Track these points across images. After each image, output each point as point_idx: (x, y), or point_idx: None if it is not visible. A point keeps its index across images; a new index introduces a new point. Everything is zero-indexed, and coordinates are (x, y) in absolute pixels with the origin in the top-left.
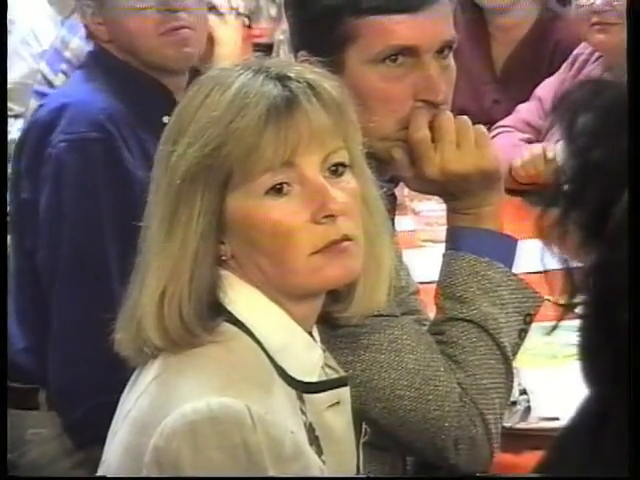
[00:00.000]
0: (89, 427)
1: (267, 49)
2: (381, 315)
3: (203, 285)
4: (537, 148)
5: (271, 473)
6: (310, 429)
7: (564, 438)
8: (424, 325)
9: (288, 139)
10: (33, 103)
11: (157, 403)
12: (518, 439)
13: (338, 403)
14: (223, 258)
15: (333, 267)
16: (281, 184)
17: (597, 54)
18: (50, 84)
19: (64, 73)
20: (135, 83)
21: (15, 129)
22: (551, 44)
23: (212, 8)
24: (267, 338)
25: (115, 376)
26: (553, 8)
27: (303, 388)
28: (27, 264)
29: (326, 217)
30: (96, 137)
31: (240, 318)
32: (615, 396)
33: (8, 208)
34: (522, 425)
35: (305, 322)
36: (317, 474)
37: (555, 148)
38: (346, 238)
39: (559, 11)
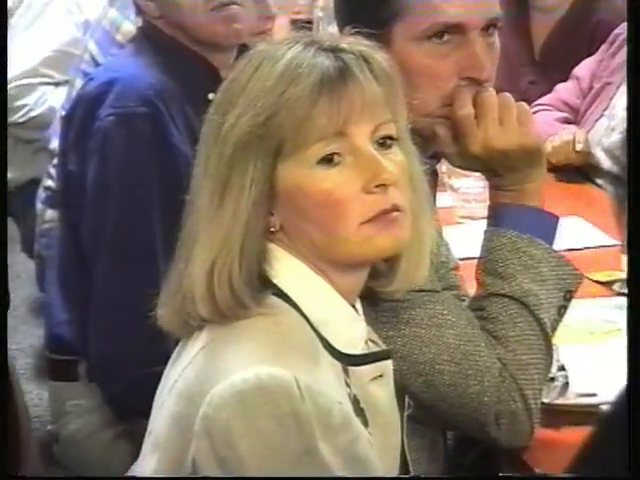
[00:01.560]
0: (131, 399)
1: (306, 25)
2: (422, 290)
3: (253, 256)
4: (567, 135)
5: (320, 443)
6: (355, 401)
7: (612, 414)
8: (463, 301)
9: (341, 109)
10: (79, 82)
11: (204, 374)
12: (557, 415)
13: (381, 376)
14: (272, 229)
15: (383, 236)
16: (332, 154)
17: None
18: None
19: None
20: (183, 59)
21: (54, 97)
22: (591, 25)
23: None
24: (312, 311)
25: (156, 348)
26: None
27: (348, 361)
28: (72, 237)
29: (377, 187)
30: (144, 112)
31: (286, 291)
32: None
33: (55, 182)
34: (560, 401)
35: (349, 295)
36: (366, 445)
37: (586, 134)
38: (396, 208)
39: None
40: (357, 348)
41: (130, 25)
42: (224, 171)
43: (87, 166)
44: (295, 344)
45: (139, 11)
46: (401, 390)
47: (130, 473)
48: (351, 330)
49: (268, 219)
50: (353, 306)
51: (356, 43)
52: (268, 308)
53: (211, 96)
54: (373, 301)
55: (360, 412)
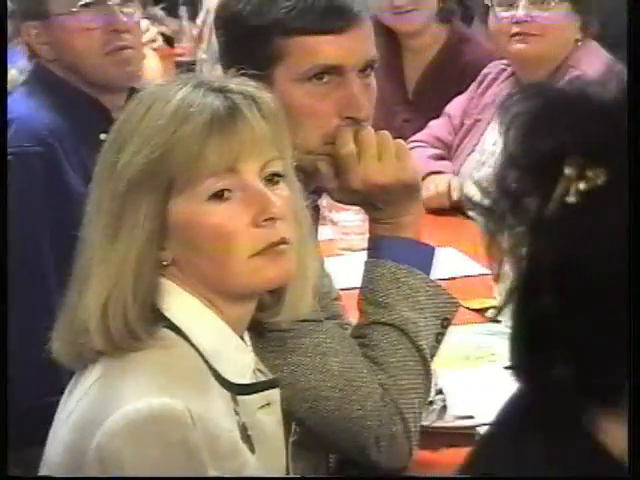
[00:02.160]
0: (26, 428)
1: (189, 67)
2: (306, 320)
3: (146, 289)
4: (442, 185)
5: (210, 470)
6: (243, 428)
7: (491, 434)
8: (346, 329)
9: (232, 146)
10: None
11: (99, 404)
12: (435, 437)
13: (269, 404)
14: (164, 264)
15: (272, 268)
16: (223, 190)
17: (505, 73)
18: None
19: None
20: (76, 101)
21: None
22: (460, 65)
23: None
24: (202, 343)
25: (51, 379)
26: (460, 30)
27: (237, 390)
28: None
29: (266, 220)
30: (39, 151)
31: (177, 324)
32: (537, 390)
33: None
34: (439, 423)
35: (238, 326)
36: (253, 471)
37: (460, 181)
38: (284, 241)
39: (466, 33)
40: (245, 378)
41: (15, 72)
42: (117, 208)
43: None
44: (186, 375)
45: (32, 54)
46: (287, 416)
47: None
48: (239, 360)
49: (160, 253)
50: (242, 337)
51: (243, 84)
52: (160, 340)
53: (103, 136)
54: (260, 331)
55: (247, 439)
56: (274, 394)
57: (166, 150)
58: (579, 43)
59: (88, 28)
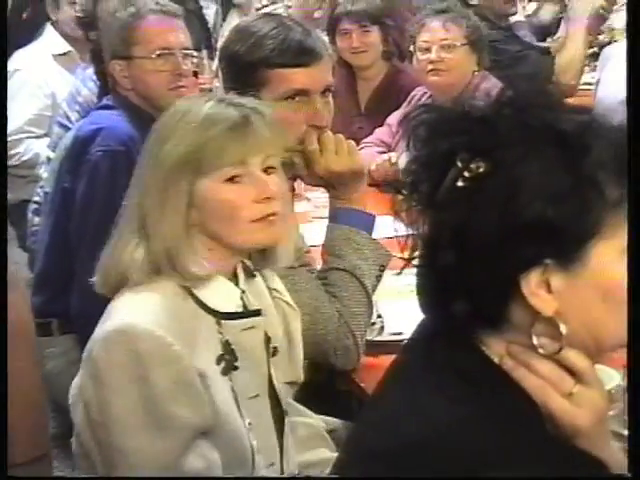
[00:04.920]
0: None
1: (209, 92)
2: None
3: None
4: (385, 157)
5: (152, 372)
6: (226, 344)
7: (409, 346)
8: (313, 273)
9: (244, 146)
10: (57, 130)
11: (103, 320)
12: (376, 347)
13: (253, 327)
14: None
15: (265, 232)
16: (235, 176)
17: (427, 94)
18: (68, 118)
19: (77, 112)
20: (143, 118)
21: (37, 146)
22: (397, 89)
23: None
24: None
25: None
26: (397, 65)
27: (220, 316)
28: (58, 230)
29: (264, 199)
30: (121, 150)
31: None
32: (440, 318)
33: (43, 196)
34: (378, 338)
35: (228, 270)
36: (192, 375)
37: (397, 157)
38: (275, 214)
39: (401, 67)
40: (231, 306)
41: (87, 91)
42: (162, 184)
43: (77, 184)
44: (172, 308)
45: (114, 83)
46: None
47: None
48: (225, 293)
49: (190, 218)
50: (235, 275)
51: (251, 100)
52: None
53: None
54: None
55: (231, 352)
56: (259, 320)
57: (199, 146)
58: (476, 73)
59: (160, 70)
